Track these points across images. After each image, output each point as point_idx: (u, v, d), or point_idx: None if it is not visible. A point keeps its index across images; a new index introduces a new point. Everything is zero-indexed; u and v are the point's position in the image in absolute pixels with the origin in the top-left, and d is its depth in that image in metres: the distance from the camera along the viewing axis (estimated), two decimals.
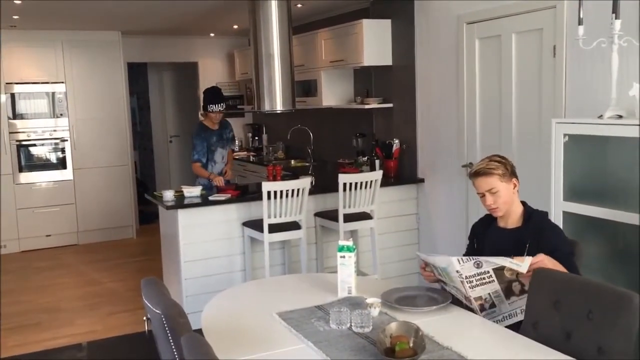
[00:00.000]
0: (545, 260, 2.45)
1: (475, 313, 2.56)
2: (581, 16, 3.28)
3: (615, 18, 3.14)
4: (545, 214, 2.81)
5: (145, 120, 9.98)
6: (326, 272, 4.96)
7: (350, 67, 6.07)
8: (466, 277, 2.49)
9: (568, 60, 3.87)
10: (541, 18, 4.07)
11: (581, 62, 3.77)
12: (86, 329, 4.82)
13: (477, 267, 2.47)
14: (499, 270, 2.47)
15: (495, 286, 2.49)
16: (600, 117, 3.27)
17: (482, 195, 2.75)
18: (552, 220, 3.04)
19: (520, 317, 2.49)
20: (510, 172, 2.75)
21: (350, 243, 2.80)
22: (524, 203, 2.83)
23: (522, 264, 2.43)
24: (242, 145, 8.77)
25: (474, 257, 2.49)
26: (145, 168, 10.03)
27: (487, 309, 2.55)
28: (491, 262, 2.47)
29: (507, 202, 2.75)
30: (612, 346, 2.07)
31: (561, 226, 3.41)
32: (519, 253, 2.63)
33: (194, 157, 5.35)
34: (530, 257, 2.46)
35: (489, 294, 2.52)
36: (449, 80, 5.01)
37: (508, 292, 2.52)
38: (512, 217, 2.79)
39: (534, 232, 2.68)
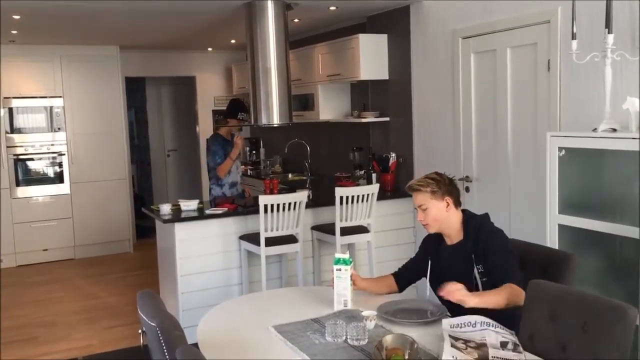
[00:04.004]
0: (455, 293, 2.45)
1: None
2: (574, 31, 3.31)
3: (608, 32, 3.18)
4: (482, 219, 2.80)
5: (143, 134, 10.00)
6: (324, 286, 4.96)
7: (347, 82, 6.10)
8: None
9: (562, 74, 3.90)
10: (535, 33, 4.10)
11: (575, 76, 3.80)
12: (82, 344, 4.80)
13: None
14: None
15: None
16: (595, 130, 3.29)
17: (416, 210, 2.81)
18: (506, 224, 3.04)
19: None
20: (444, 191, 2.76)
21: (346, 256, 2.80)
22: (464, 211, 2.83)
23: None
24: (240, 159, 8.78)
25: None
26: (143, 182, 10.03)
27: None
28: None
29: (437, 219, 2.77)
30: (607, 358, 2.07)
31: (557, 239, 3.43)
32: (470, 266, 2.67)
33: (217, 161, 5.42)
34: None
35: None
36: (445, 94, 5.04)
37: None
38: (453, 233, 2.80)
39: (474, 242, 2.70)
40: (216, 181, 5.48)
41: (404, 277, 3.03)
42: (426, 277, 2.90)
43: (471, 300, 2.43)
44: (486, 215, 2.83)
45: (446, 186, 2.78)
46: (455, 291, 2.43)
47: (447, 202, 2.76)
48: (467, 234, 2.75)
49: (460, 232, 2.78)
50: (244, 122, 5.55)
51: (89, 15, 5.51)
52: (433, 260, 2.87)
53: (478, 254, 2.68)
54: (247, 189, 5.93)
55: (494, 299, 2.48)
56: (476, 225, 2.75)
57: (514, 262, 2.63)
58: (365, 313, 2.56)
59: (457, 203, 2.81)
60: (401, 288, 3.02)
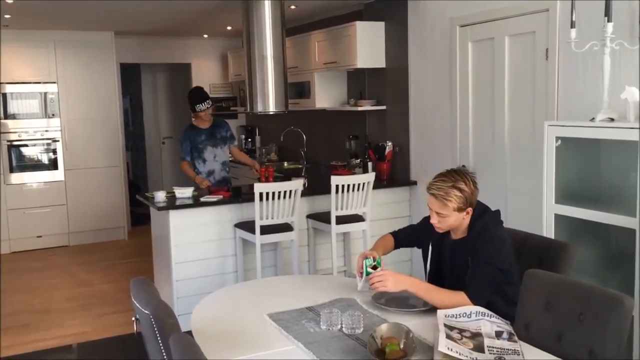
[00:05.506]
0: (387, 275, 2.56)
1: None
2: (573, 19, 3.28)
3: (608, 21, 3.15)
4: (489, 221, 2.67)
5: (137, 121, 9.95)
6: (319, 274, 4.96)
7: (343, 69, 6.07)
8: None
9: (560, 63, 3.88)
10: (534, 21, 4.07)
11: (573, 65, 3.78)
12: (76, 330, 4.79)
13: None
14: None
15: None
16: (592, 120, 3.28)
17: (430, 209, 2.70)
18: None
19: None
20: (468, 204, 2.62)
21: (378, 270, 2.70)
22: (479, 204, 2.71)
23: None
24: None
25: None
26: (138, 169, 9.99)
27: None
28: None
29: (452, 225, 2.68)
30: (603, 348, 2.06)
31: (553, 228, 3.42)
32: (466, 266, 2.61)
33: (181, 155, 5.53)
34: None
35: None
36: (442, 82, 5.01)
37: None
38: (460, 231, 2.72)
39: (472, 244, 2.63)
40: (194, 167, 5.48)
41: (402, 239, 3.09)
42: (425, 264, 2.89)
43: (405, 286, 2.57)
44: (495, 215, 2.72)
45: (471, 196, 2.62)
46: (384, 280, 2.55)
47: (468, 212, 2.65)
48: (470, 234, 2.67)
49: (466, 230, 2.70)
50: (207, 110, 5.41)
51: (84, 0, 5.45)
52: (434, 249, 2.85)
53: (473, 255, 2.63)
54: (254, 167, 5.80)
55: (436, 298, 2.54)
56: (480, 228, 2.64)
57: (486, 277, 2.53)
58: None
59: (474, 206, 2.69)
60: (396, 246, 3.09)
